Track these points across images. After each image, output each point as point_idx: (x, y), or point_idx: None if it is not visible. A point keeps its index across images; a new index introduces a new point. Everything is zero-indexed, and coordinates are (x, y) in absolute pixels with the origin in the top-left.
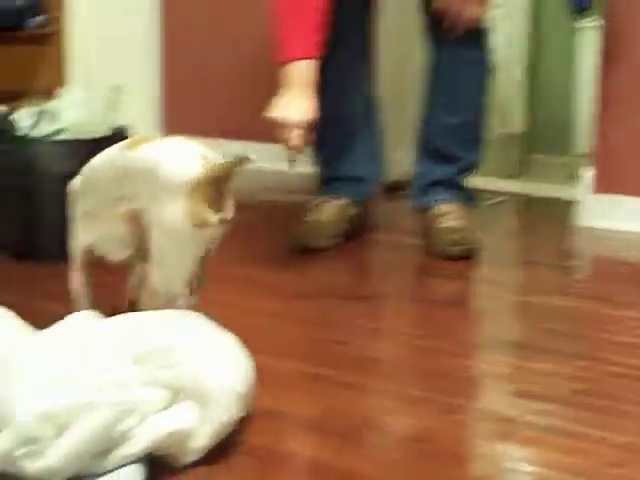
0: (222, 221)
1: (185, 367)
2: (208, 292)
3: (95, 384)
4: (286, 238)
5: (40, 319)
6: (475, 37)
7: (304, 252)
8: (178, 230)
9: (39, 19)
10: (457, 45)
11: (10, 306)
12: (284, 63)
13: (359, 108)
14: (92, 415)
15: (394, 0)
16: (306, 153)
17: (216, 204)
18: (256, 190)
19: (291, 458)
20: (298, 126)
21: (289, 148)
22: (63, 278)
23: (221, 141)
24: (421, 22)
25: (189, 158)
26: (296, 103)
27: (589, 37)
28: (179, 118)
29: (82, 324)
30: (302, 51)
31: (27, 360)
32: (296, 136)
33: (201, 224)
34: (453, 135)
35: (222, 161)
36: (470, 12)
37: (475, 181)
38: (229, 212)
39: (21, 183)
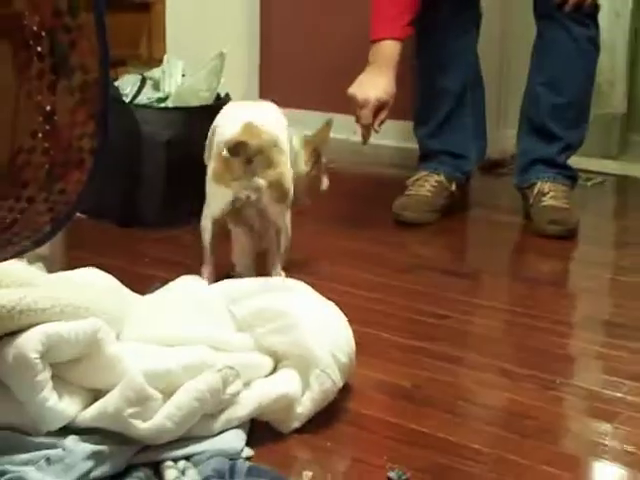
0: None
1: (292, 334)
2: (309, 264)
3: (204, 347)
4: (386, 212)
5: (143, 284)
6: (585, 14)
7: (403, 226)
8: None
9: None
10: (566, 22)
11: (113, 271)
12: (372, 42)
13: (462, 84)
14: (202, 377)
15: None
16: (405, 129)
17: (240, 170)
18: (358, 164)
19: (391, 428)
20: (371, 104)
21: (360, 125)
22: (165, 244)
23: (319, 113)
24: None
25: (233, 122)
26: (374, 82)
27: None
28: (277, 88)
29: (192, 288)
30: (388, 32)
31: (138, 320)
32: (367, 114)
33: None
34: (557, 114)
35: (265, 132)
36: None
37: (575, 160)
38: (255, 184)
39: (124, 150)
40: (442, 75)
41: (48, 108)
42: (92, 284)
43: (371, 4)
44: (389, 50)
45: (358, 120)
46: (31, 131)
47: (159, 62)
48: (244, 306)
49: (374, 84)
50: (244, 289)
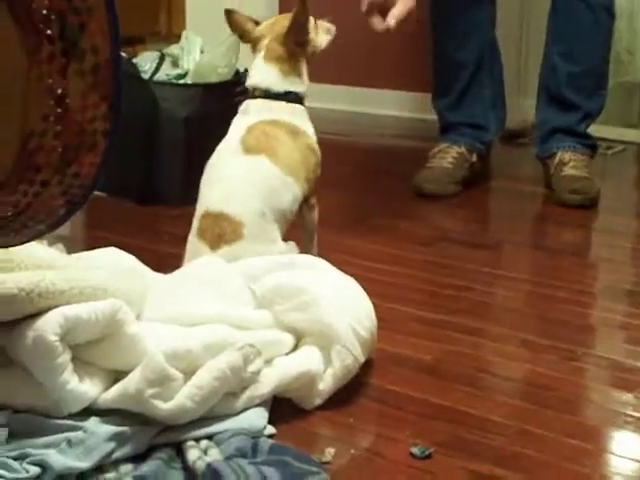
0: None
1: (312, 311)
2: (331, 237)
3: (225, 326)
4: (407, 184)
5: (163, 262)
6: None
7: (425, 199)
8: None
9: None
10: None
11: (133, 250)
12: None
13: (479, 56)
14: (223, 356)
15: None
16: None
17: None
18: (378, 136)
19: (413, 402)
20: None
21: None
22: (184, 221)
23: (341, 87)
24: None
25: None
26: None
27: None
28: None
29: (211, 266)
30: None
31: (159, 301)
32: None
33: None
34: (575, 83)
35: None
36: None
37: (596, 129)
38: None
39: (143, 127)
40: (459, 48)
41: (59, 91)
42: (111, 265)
43: None
44: None
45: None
46: (42, 115)
47: (178, 38)
48: (264, 283)
49: None
50: (264, 266)
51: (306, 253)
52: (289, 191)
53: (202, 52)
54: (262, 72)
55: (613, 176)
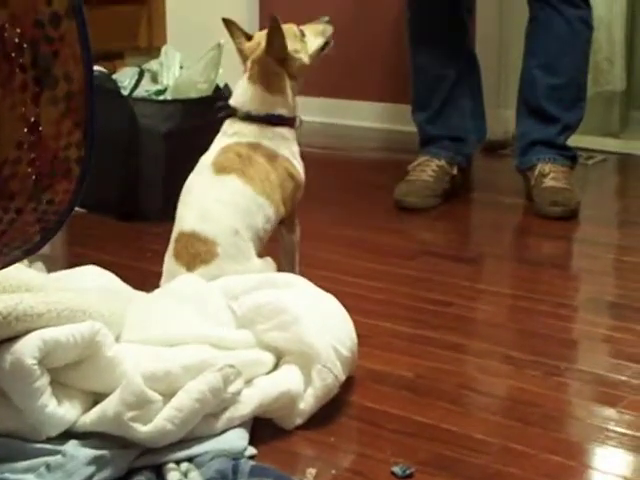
0: None
1: (293, 330)
2: (310, 252)
3: (205, 346)
4: (388, 197)
5: (144, 280)
6: None
7: (406, 212)
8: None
9: None
10: (557, 3)
11: (115, 267)
12: None
13: (458, 69)
14: (202, 377)
15: None
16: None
17: None
18: (356, 148)
19: (394, 420)
20: None
21: None
22: (166, 238)
23: (320, 99)
24: None
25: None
26: None
27: None
28: None
29: (192, 285)
30: None
31: (138, 321)
32: None
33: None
34: (554, 95)
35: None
36: None
37: (576, 139)
38: None
39: (123, 143)
40: (438, 61)
41: (32, 119)
42: (91, 285)
43: None
44: None
45: None
46: (16, 142)
47: (159, 51)
48: (244, 302)
49: None
50: (244, 285)
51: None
52: (261, 211)
53: (181, 67)
54: (245, 93)
55: (594, 186)
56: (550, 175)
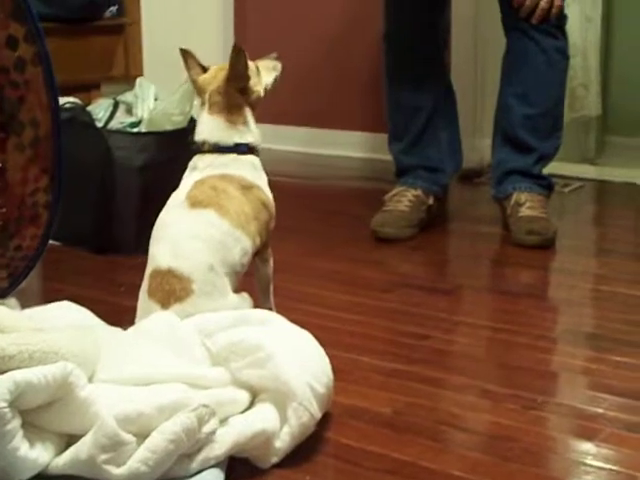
0: None
1: (268, 368)
2: (286, 285)
3: (180, 385)
4: (365, 228)
5: (119, 315)
6: (552, 25)
7: (382, 243)
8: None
9: (114, 9)
10: (534, 33)
11: (89, 302)
12: None
13: (434, 99)
14: (176, 418)
15: None
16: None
17: None
18: (332, 178)
19: (372, 458)
20: None
21: None
22: (141, 271)
23: (297, 129)
24: (498, 9)
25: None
26: None
27: None
28: None
29: (165, 323)
30: None
31: (112, 359)
32: None
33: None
34: (530, 125)
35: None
36: (547, 0)
37: (552, 166)
38: None
39: (98, 176)
40: (414, 92)
41: None
42: (64, 323)
43: None
44: None
45: None
46: None
47: (134, 85)
48: (219, 340)
49: None
50: (218, 322)
51: (262, 306)
52: (238, 245)
53: (156, 99)
54: (209, 126)
55: (571, 214)
56: (526, 204)
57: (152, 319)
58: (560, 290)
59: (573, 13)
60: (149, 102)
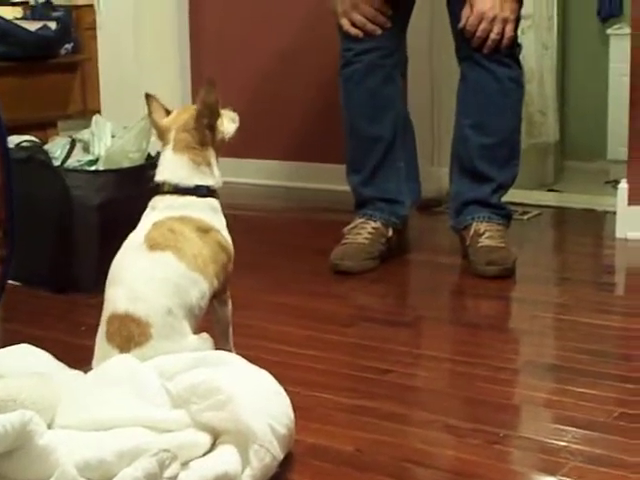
0: None
1: (228, 410)
2: (244, 321)
3: (139, 430)
4: (324, 261)
5: (79, 355)
6: (505, 54)
7: (342, 276)
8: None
9: (69, 47)
10: (488, 63)
11: (49, 343)
12: None
13: (392, 131)
14: (137, 464)
15: (426, 18)
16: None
17: None
18: (290, 209)
19: None
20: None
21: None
22: (101, 310)
23: (253, 161)
24: (452, 39)
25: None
26: None
27: (619, 44)
28: None
29: (125, 366)
30: None
31: (72, 404)
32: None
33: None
34: (487, 155)
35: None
36: (499, 29)
37: (511, 194)
38: None
39: (56, 215)
40: (371, 124)
41: None
42: (22, 368)
43: None
44: None
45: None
46: None
47: (95, 112)
48: (179, 382)
49: None
50: (178, 364)
51: (222, 348)
52: (196, 287)
53: (113, 137)
54: (171, 165)
55: (530, 242)
56: (485, 234)
57: (112, 362)
58: (521, 320)
59: (529, 40)
60: (106, 140)
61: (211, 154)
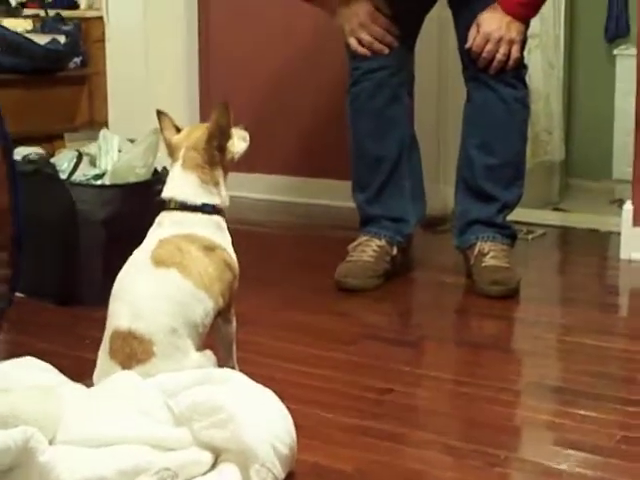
0: None
1: (230, 429)
2: (248, 338)
3: (141, 448)
4: (328, 278)
5: (83, 368)
6: (511, 75)
7: (347, 293)
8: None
9: (78, 60)
10: (494, 84)
11: (53, 356)
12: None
13: (398, 149)
14: None
15: (433, 37)
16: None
17: None
18: (296, 226)
19: None
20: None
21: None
22: (104, 324)
23: (260, 175)
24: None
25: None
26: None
27: (626, 64)
28: None
29: (128, 383)
30: None
31: (74, 420)
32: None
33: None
34: (492, 175)
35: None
36: (505, 51)
37: (515, 213)
38: None
39: (61, 228)
40: (377, 143)
41: None
42: (25, 382)
43: None
44: None
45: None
46: None
47: (103, 125)
48: (181, 400)
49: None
50: (181, 382)
51: (225, 365)
52: (201, 306)
53: (120, 151)
54: (180, 183)
55: (535, 262)
56: (490, 254)
57: (114, 379)
58: (524, 341)
59: (536, 60)
60: (113, 154)
61: (219, 174)
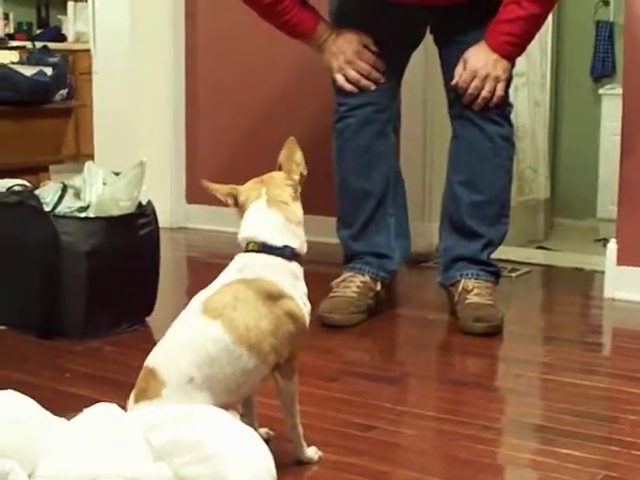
0: None
1: (210, 465)
2: None
3: None
4: (313, 313)
5: (64, 402)
6: (495, 112)
7: (330, 329)
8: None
9: (64, 92)
10: (479, 121)
11: (34, 390)
12: (307, 36)
13: (383, 186)
14: None
15: (419, 74)
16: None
17: None
18: None
19: None
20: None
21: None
22: (86, 357)
23: None
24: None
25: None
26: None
27: (611, 104)
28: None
29: (108, 416)
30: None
31: (54, 454)
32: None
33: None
34: (477, 212)
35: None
36: (490, 88)
37: (500, 251)
38: None
39: (45, 260)
40: (362, 179)
41: None
42: (7, 416)
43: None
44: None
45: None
46: None
47: (88, 158)
48: (163, 434)
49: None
50: (163, 416)
51: (285, 420)
52: (237, 363)
53: (104, 184)
54: (263, 222)
55: (518, 300)
56: (473, 291)
57: (95, 410)
58: (506, 379)
59: (522, 97)
60: (97, 187)
61: (300, 210)
